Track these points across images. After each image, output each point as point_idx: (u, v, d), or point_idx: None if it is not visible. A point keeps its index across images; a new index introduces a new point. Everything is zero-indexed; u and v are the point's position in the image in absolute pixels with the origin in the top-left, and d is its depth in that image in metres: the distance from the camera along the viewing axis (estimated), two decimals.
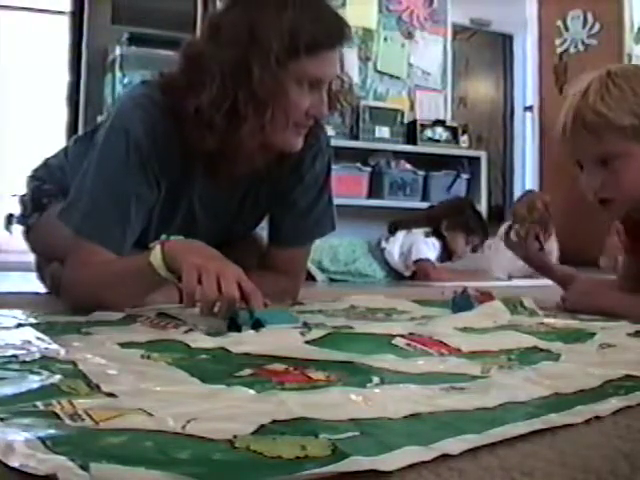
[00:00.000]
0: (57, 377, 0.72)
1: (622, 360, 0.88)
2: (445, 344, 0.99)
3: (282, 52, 1.28)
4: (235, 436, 0.52)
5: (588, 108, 1.30)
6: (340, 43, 1.36)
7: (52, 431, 0.52)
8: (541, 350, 0.97)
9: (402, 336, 1.01)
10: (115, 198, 1.34)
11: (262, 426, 0.55)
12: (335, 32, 1.35)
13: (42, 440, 0.49)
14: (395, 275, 3.26)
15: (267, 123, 1.31)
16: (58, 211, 1.41)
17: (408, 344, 0.97)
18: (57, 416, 0.56)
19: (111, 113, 1.45)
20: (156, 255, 1.21)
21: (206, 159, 1.41)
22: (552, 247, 3.83)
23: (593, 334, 1.09)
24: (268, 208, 1.64)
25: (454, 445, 0.52)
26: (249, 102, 1.29)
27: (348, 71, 1.47)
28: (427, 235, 3.27)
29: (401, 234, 3.28)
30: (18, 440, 0.49)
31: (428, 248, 3.24)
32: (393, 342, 0.98)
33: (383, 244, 3.28)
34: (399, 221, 3.38)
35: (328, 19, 1.35)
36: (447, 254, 3.32)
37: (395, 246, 3.26)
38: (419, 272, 3.20)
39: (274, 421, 0.57)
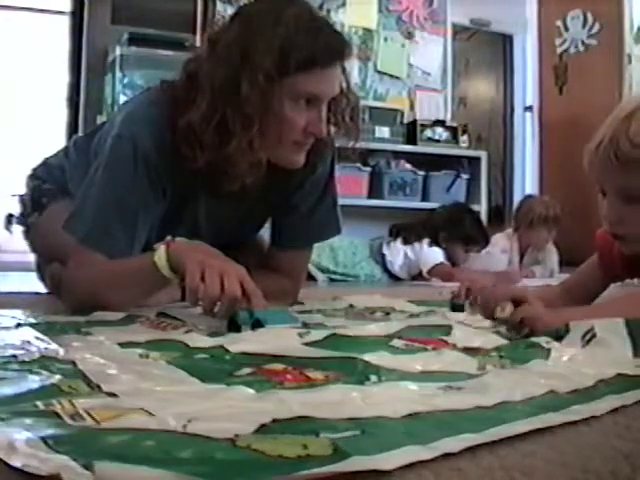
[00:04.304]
0: (57, 377, 0.72)
1: (610, 358, 0.88)
2: (443, 340, 0.99)
3: (273, 68, 1.26)
4: (237, 435, 0.52)
5: (625, 136, 1.12)
6: (338, 60, 1.34)
7: (53, 431, 0.52)
8: (532, 344, 0.96)
9: (400, 337, 1.01)
10: (122, 209, 1.33)
11: (263, 425, 0.55)
12: (333, 49, 1.32)
13: (44, 440, 0.49)
14: (396, 279, 3.26)
15: (255, 139, 1.30)
16: (64, 222, 1.38)
17: (406, 344, 0.98)
18: (58, 416, 0.56)
19: (116, 119, 1.42)
20: (160, 255, 1.21)
21: (204, 175, 1.38)
22: (552, 252, 3.82)
23: None
24: (270, 213, 1.63)
25: (453, 444, 0.52)
26: (237, 117, 1.28)
27: (354, 90, 1.44)
28: (430, 244, 3.26)
29: (402, 247, 3.27)
30: (20, 440, 0.49)
31: (436, 253, 3.24)
32: (391, 343, 0.98)
33: (384, 249, 3.28)
34: (400, 227, 3.37)
35: (326, 36, 1.32)
36: (448, 262, 3.31)
37: (397, 257, 3.26)
38: (439, 277, 3.17)
39: (275, 420, 0.57)
